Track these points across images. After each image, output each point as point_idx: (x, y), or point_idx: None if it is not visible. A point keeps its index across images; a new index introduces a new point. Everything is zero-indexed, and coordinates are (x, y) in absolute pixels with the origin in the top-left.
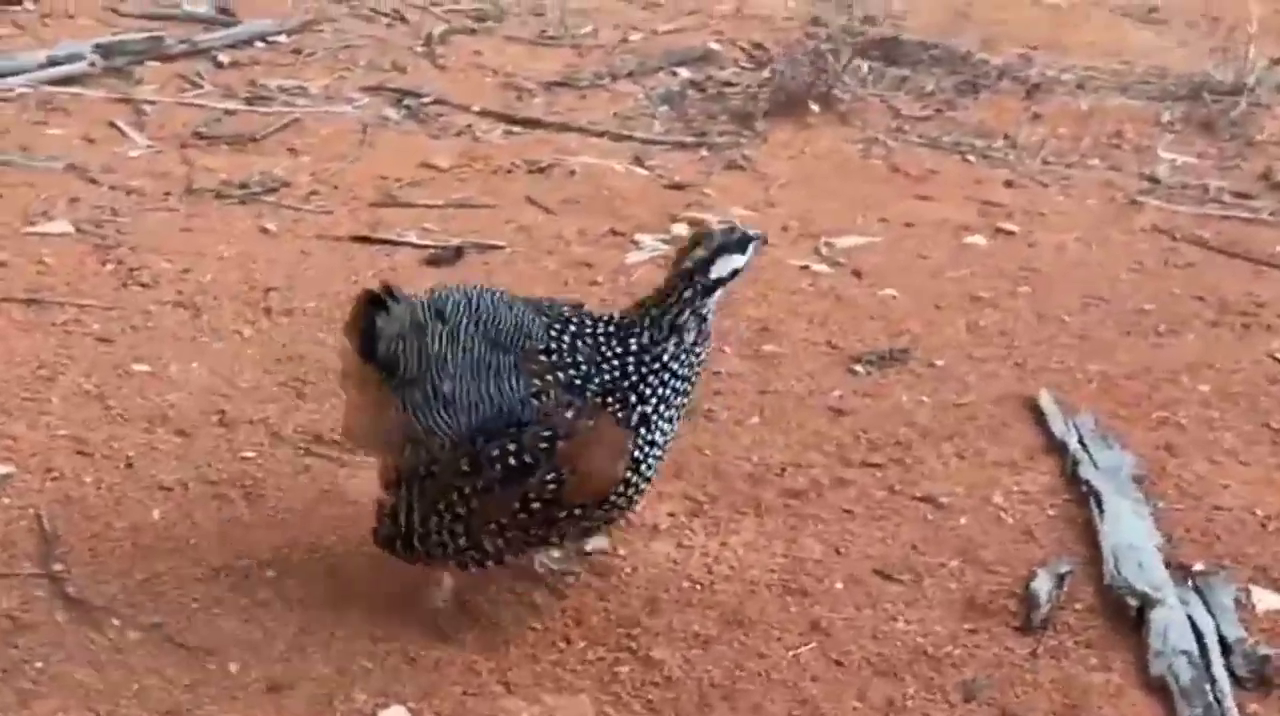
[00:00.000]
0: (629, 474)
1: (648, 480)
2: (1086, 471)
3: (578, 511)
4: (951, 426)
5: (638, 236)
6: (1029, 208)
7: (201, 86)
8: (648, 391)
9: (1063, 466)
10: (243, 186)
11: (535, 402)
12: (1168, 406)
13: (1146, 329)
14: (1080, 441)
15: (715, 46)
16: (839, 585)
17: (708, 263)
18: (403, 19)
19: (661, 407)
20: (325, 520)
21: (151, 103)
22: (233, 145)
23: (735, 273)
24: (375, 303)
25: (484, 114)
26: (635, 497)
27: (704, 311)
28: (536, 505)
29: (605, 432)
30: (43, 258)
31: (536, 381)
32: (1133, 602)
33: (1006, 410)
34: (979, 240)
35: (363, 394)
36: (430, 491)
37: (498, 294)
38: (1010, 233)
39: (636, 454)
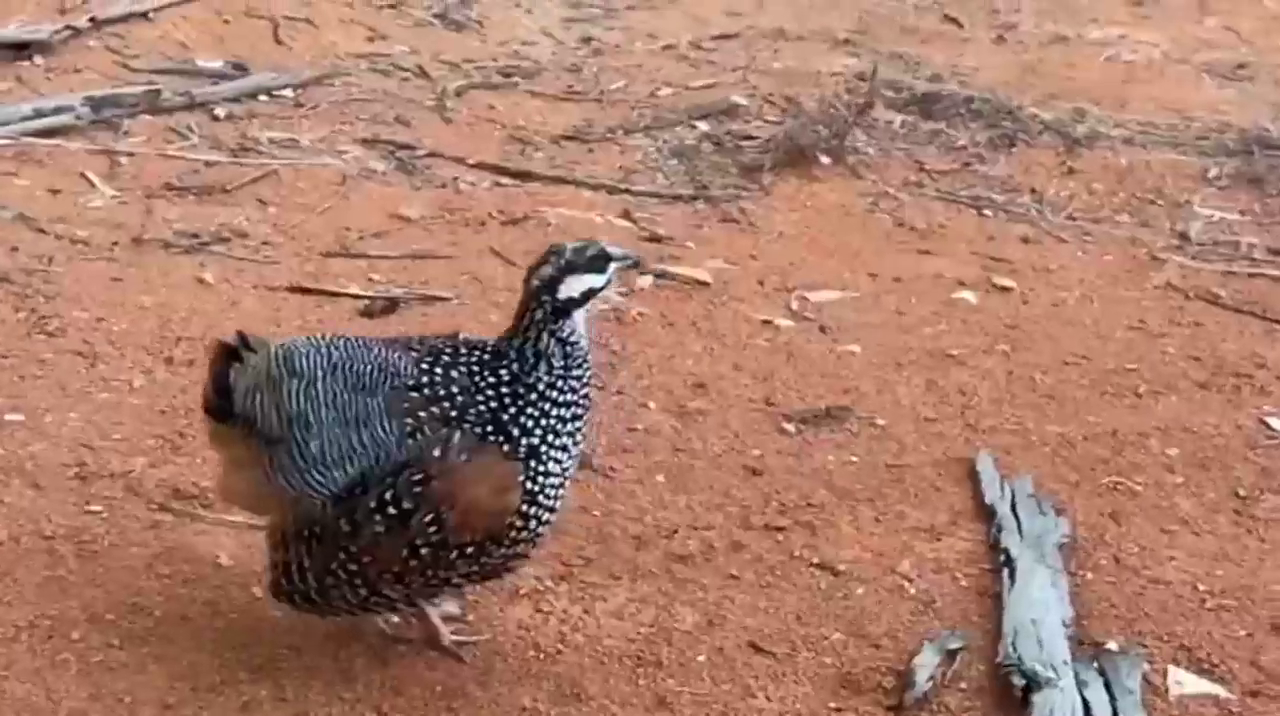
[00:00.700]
0: (525, 507)
1: (551, 511)
2: (1008, 538)
3: (471, 549)
4: (874, 489)
5: None
6: (1038, 263)
7: (189, 139)
8: (530, 423)
9: (988, 533)
10: (194, 236)
11: (411, 442)
12: (1124, 472)
13: (1125, 389)
14: (1012, 506)
15: (740, 100)
16: (701, 657)
17: (554, 281)
18: (424, 74)
19: (550, 437)
20: (159, 579)
21: (130, 154)
22: (201, 196)
23: (590, 293)
24: (230, 355)
25: (477, 166)
26: (540, 531)
27: (562, 334)
28: (425, 550)
29: (487, 466)
30: None
31: (410, 420)
32: (1018, 682)
33: (942, 473)
34: (968, 296)
35: (229, 452)
36: (318, 552)
37: (353, 339)
38: (1006, 288)
39: (530, 486)
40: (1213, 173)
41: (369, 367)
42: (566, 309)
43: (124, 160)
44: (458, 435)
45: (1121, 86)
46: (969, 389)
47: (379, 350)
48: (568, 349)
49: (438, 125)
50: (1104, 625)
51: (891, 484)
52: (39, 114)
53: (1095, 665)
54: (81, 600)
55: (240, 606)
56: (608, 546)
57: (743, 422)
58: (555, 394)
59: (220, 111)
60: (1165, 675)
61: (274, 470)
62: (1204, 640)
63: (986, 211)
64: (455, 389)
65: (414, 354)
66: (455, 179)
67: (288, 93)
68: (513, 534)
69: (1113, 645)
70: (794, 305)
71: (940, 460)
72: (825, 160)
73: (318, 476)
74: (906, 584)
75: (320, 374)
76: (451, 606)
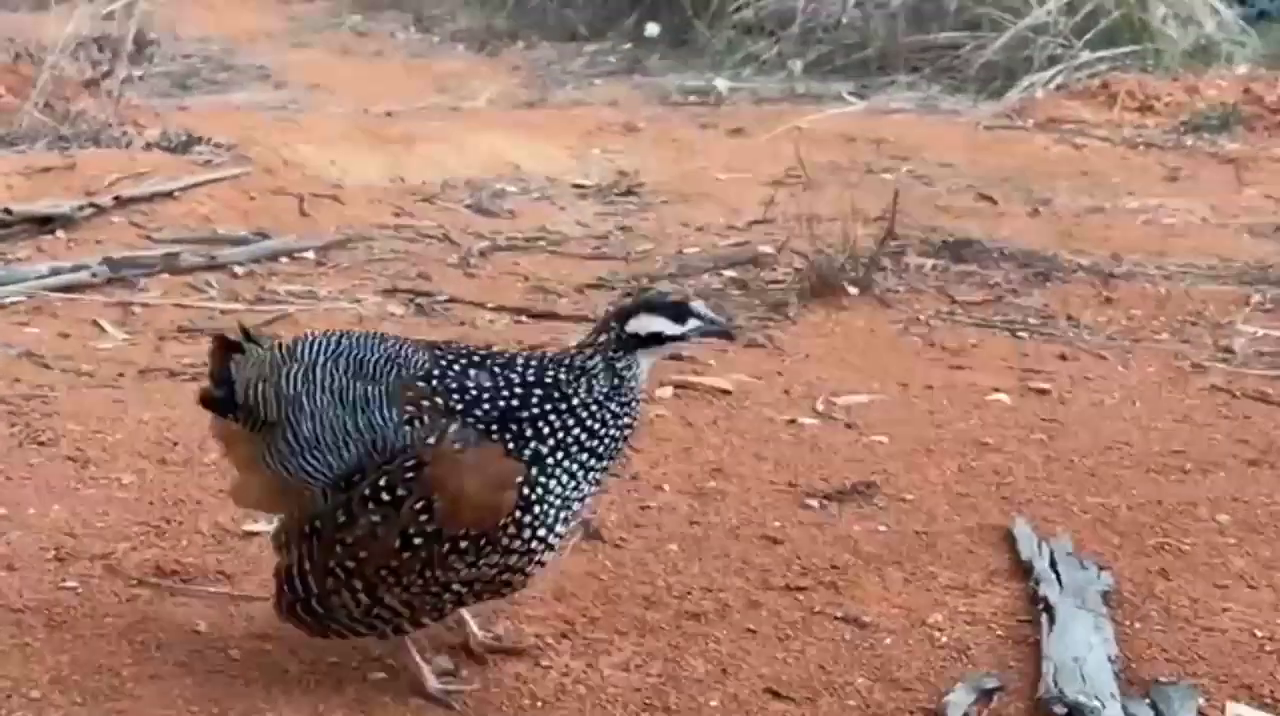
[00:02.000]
0: (520, 513)
1: (551, 530)
2: (1048, 589)
3: (464, 544)
4: (903, 553)
5: None
6: (1076, 374)
7: (206, 292)
8: (545, 429)
9: (1026, 590)
10: (202, 366)
11: (408, 429)
12: (1171, 535)
13: (1171, 468)
14: (1051, 563)
15: (768, 250)
16: (714, 702)
17: (627, 314)
18: (449, 239)
19: (559, 454)
20: (130, 645)
21: (145, 305)
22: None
23: (658, 337)
24: (231, 348)
25: (499, 309)
26: (536, 547)
27: (619, 365)
28: (418, 540)
29: (482, 457)
30: None
31: (410, 408)
32: (1061, 712)
33: (976, 539)
34: (1003, 398)
35: (236, 453)
36: (319, 551)
37: (367, 334)
38: (1043, 391)
39: (528, 492)
40: (1255, 298)
41: (377, 357)
42: (630, 343)
43: (138, 309)
44: (455, 426)
45: (1161, 241)
46: (1004, 470)
47: (395, 344)
48: (615, 381)
49: (460, 278)
50: (1154, 668)
51: (922, 549)
52: (56, 272)
53: (1146, 699)
54: (46, 665)
55: (214, 666)
56: (615, 606)
57: (763, 500)
58: (584, 414)
59: (240, 270)
60: (1224, 710)
61: (271, 455)
62: (1266, 680)
63: (1021, 333)
64: (469, 385)
65: (436, 352)
66: (474, 318)
67: (309, 254)
68: (505, 541)
69: (1162, 678)
70: (820, 407)
71: (973, 527)
72: (853, 291)
73: (312, 460)
74: (938, 633)
75: (322, 359)
76: (443, 660)
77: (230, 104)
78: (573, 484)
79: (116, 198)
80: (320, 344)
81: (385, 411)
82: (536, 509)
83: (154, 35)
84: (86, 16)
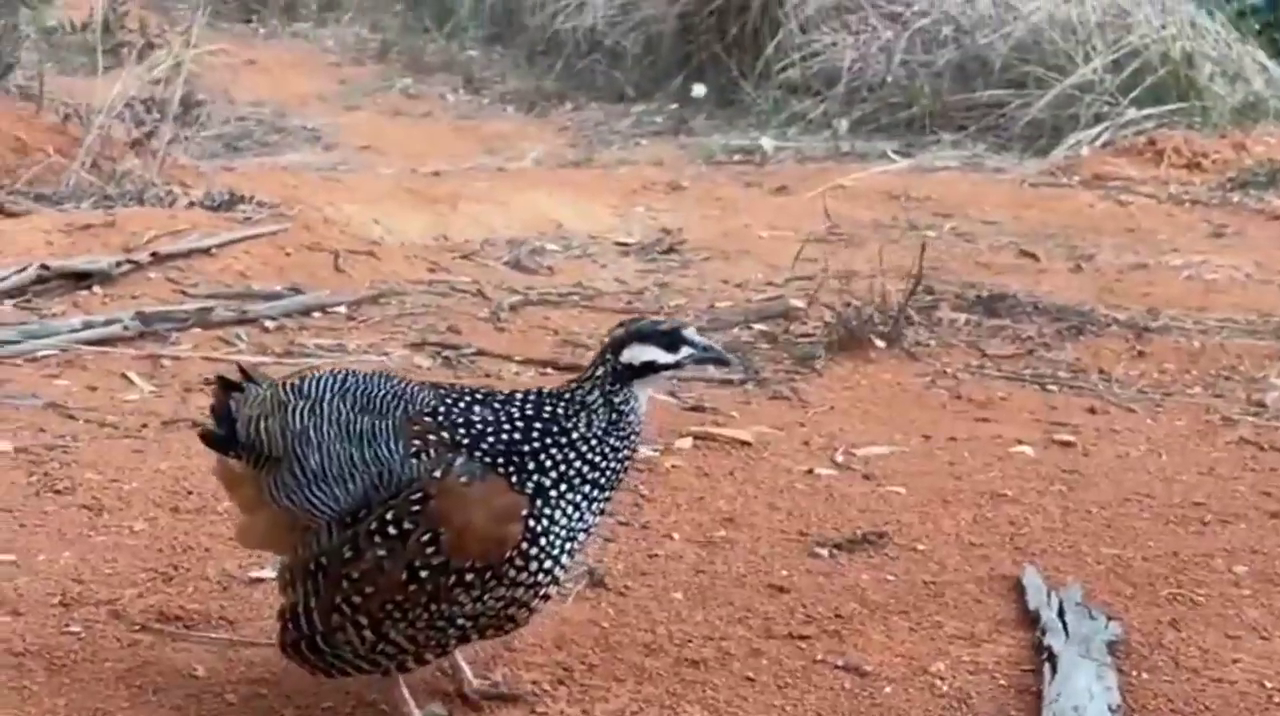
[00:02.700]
0: (526, 546)
1: (557, 562)
2: (1053, 639)
3: (470, 577)
4: (910, 602)
5: None
6: (1103, 427)
7: (236, 346)
8: (547, 463)
9: (1032, 640)
10: None
11: (414, 462)
12: (1186, 586)
13: (1190, 519)
14: (1059, 612)
15: (798, 304)
16: None
17: (620, 344)
18: (481, 294)
19: (563, 486)
20: (128, 689)
21: (175, 358)
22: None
23: (651, 366)
24: (231, 387)
25: (526, 362)
26: (540, 580)
27: (616, 399)
28: (424, 573)
29: (488, 490)
30: None
31: (416, 442)
32: None
33: (985, 589)
34: (1026, 450)
35: (240, 494)
36: (325, 587)
37: (373, 372)
38: (1067, 443)
39: (533, 525)
40: None
41: (383, 393)
42: (625, 374)
43: (167, 362)
44: (461, 459)
45: (1202, 297)
46: (1019, 521)
47: (400, 382)
48: (614, 416)
49: (489, 332)
50: None
51: (930, 598)
52: (88, 326)
53: None
54: (43, 707)
55: (210, 710)
56: (614, 653)
57: (772, 549)
58: (585, 448)
59: (271, 325)
60: None
61: (277, 489)
62: None
63: (1051, 387)
64: (474, 419)
65: (440, 391)
66: (499, 371)
67: (341, 309)
68: (512, 573)
69: None
70: (839, 458)
71: (984, 577)
72: (881, 345)
73: (318, 493)
74: (939, 682)
75: (328, 395)
76: (436, 706)
77: (278, 165)
78: (576, 515)
79: (154, 254)
80: (326, 381)
81: (391, 445)
82: (542, 541)
83: (204, 97)
84: (136, 79)
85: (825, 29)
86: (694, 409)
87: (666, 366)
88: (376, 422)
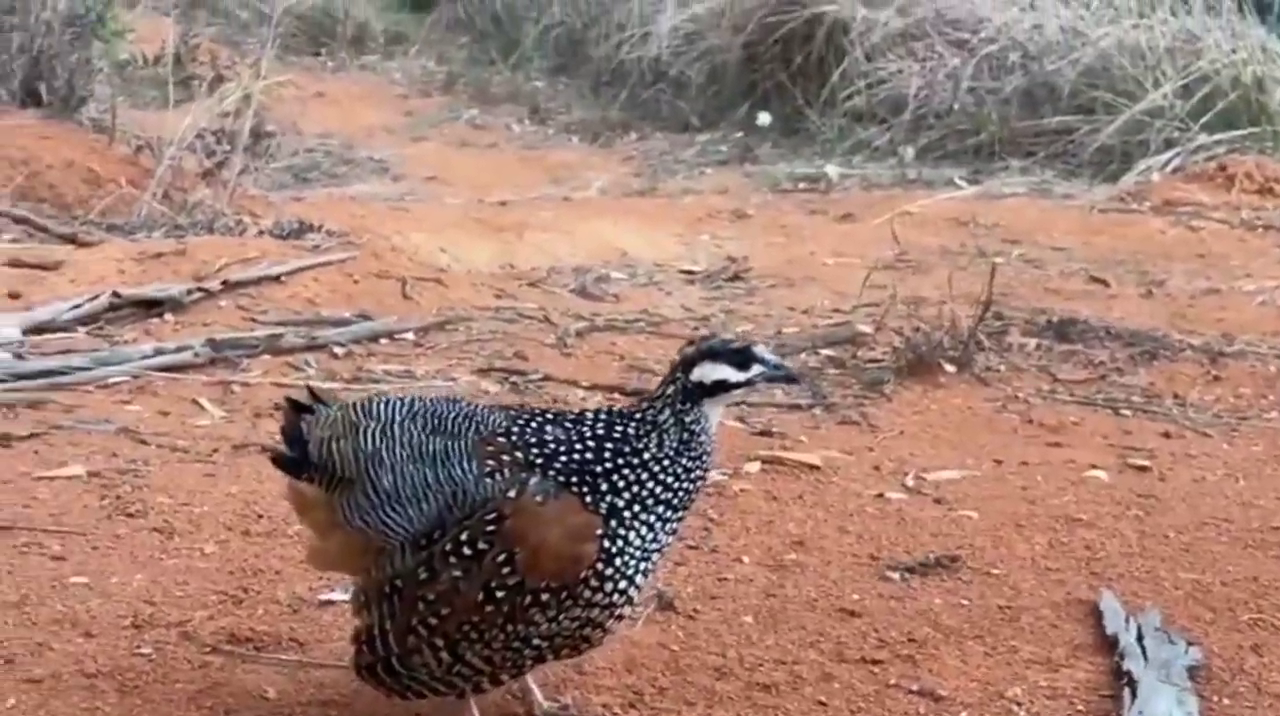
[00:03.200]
0: (602, 566)
1: (632, 582)
2: (1132, 664)
3: (546, 597)
4: (985, 627)
5: None
6: (1178, 451)
7: (305, 372)
8: (620, 483)
9: (1110, 665)
10: None
11: (489, 482)
12: (1266, 611)
13: (1270, 544)
14: (1138, 637)
15: (866, 329)
16: None
17: (691, 362)
18: (548, 320)
19: (636, 507)
20: (200, 710)
21: (245, 384)
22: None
23: (722, 385)
24: (301, 409)
25: (592, 387)
26: (616, 600)
27: (687, 418)
28: (500, 593)
29: (563, 510)
30: (36, 494)
31: (490, 462)
32: None
33: (1062, 614)
34: (1101, 474)
35: (311, 517)
36: (400, 609)
37: (442, 397)
38: (1143, 468)
39: (608, 545)
40: None
41: (454, 415)
42: (696, 393)
43: (237, 388)
44: (535, 479)
45: (1276, 321)
46: (1095, 545)
47: (469, 404)
48: (685, 436)
49: (555, 357)
50: None
51: (1005, 623)
52: (160, 353)
53: None
54: None
55: None
56: (684, 677)
57: (843, 573)
58: (657, 468)
59: (339, 351)
60: None
61: (350, 511)
62: None
63: (1124, 411)
64: (547, 439)
65: (511, 412)
66: (566, 396)
67: (409, 335)
68: (587, 594)
69: None
70: (909, 482)
71: (1060, 602)
72: (950, 369)
73: (393, 514)
74: (1016, 708)
75: (399, 418)
76: None
77: (346, 195)
78: (650, 536)
79: (224, 282)
80: (397, 403)
81: (465, 465)
82: (617, 561)
83: (273, 129)
84: (206, 111)
85: (891, 56)
86: (762, 433)
87: (738, 384)
88: (449, 443)
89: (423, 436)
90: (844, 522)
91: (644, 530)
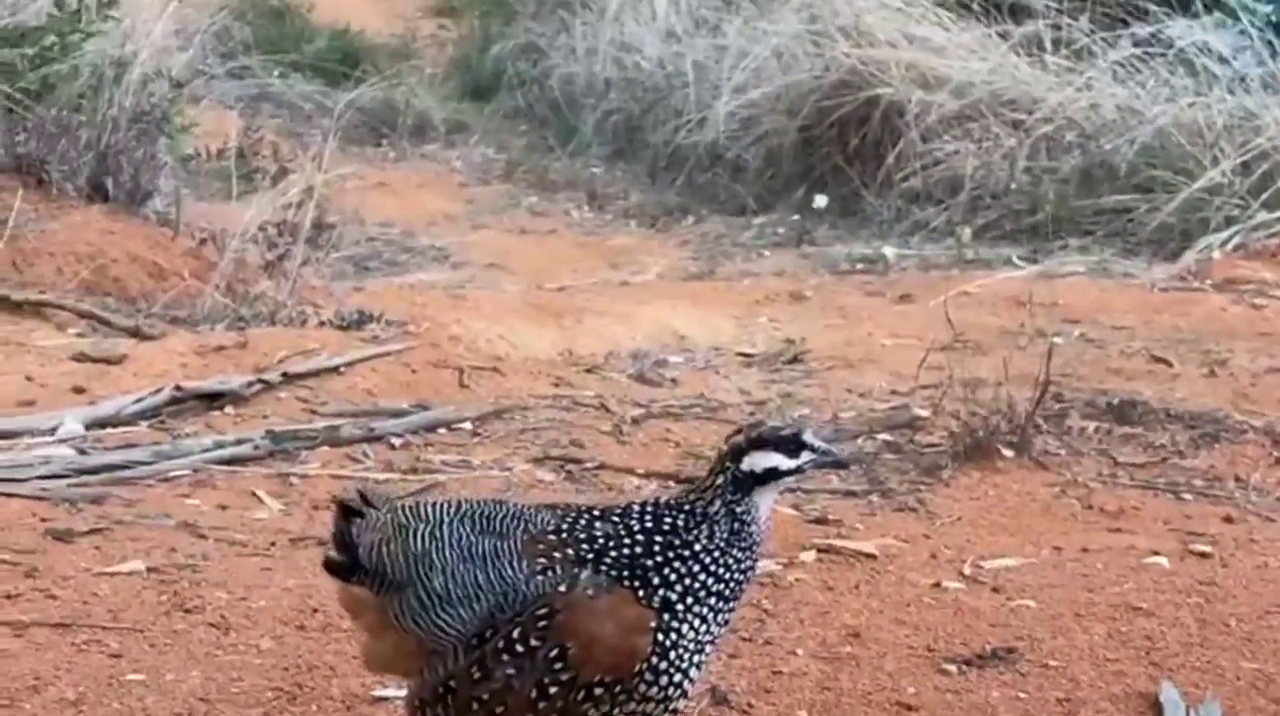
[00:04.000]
0: (656, 660)
1: (686, 676)
2: None
3: (599, 691)
4: None
5: None
6: (1241, 537)
7: (363, 463)
8: (672, 577)
9: None
10: None
11: (540, 579)
12: None
13: None
14: None
15: (924, 413)
16: None
17: (741, 451)
18: (604, 408)
19: (689, 599)
20: None
21: (304, 477)
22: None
23: (773, 472)
24: (350, 512)
25: (647, 475)
26: (672, 695)
27: (737, 508)
28: (554, 689)
29: (616, 603)
30: (96, 590)
31: (542, 560)
32: None
33: (1121, 705)
34: (1161, 561)
35: (364, 619)
36: (455, 710)
37: (490, 496)
38: (1204, 554)
39: (662, 638)
40: None
41: (502, 515)
42: (746, 482)
43: (296, 481)
44: (586, 573)
45: None
46: (1156, 635)
47: (517, 505)
48: (736, 526)
49: (612, 445)
50: None
51: None
52: (219, 446)
53: None
54: None
55: None
56: None
57: (899, 666)
58: (708, 560)
59: (397, 442)
60: None
61: (402, 613)
62: None
63: (1185, 495)
64: (596, 534)
65: (559, 511)
66: (621, 484)
67: (466, 425)
68: (642, 688)
69: None
70: (967, 571)
71: (1119, 694)
72: (1008, 453)
73: (445, 615)
74: None
75: (447, 519)
76: None
77: (407, 283)
78: (704, 628)
79: (284, 373)
80: (444, 505)
81: (515, 564)
82: (671, 655)
83: (335, 219)
84: (269, 204)
85: (947, 137)
86: (818, 521)
87: (789, 472)
88: (498, 543)
89: (472, 537)
90: (900, 613)
91: (697, 622)
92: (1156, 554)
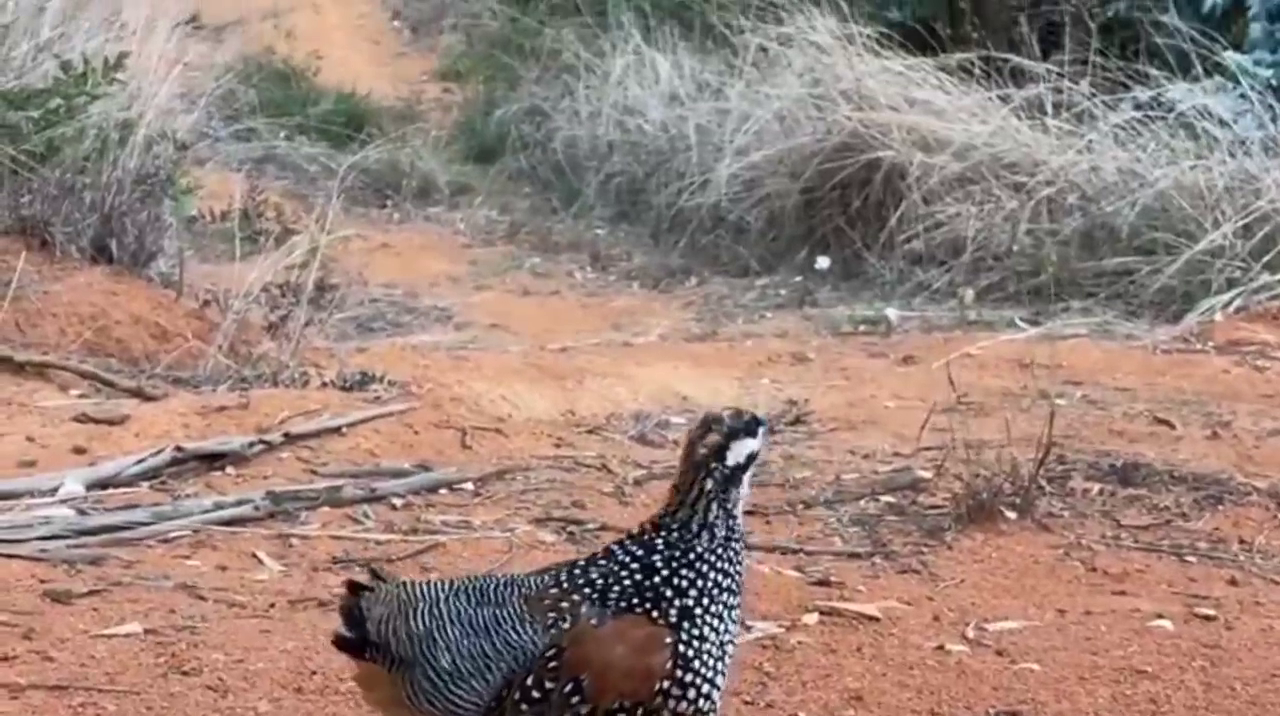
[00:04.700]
0: (681, 673)
1: (712, 684)
2: None
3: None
4: None
5: (750, 622)
6: (1246, 599)
7: (364, 523)
8: (685, 585)
9: None
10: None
11: (554, 632)
12: None
13: None
14: None
15: (926, 475)
16: None
17: (723, 449)
18: (606, 469)
19: (706, 601)
20: None
21: (304, 537)
22: (365, 567)
23: (752, 457)
24: (359, 588)
25: None
26: (703, 706)
27: (729, 505)
28: None
29: (622, 626)
30: (93, 652)
31: (552, 614)
32: None
33: None
34: (1165, 624)
35: (377, 694)
36: None
37: (480, 574)
38: (1208, 617)
39: (684, 650)
40: None
41: (495, 585)
42: (734, 476)
43: (296, 542)
44: (585, 606)
45: None
46: (1160, 698)
47: (506, 574)
48: (731, 522)
49: (613, 506)
50: None
51: None
52: (220, 507)
53: None
54: None
55: None
56: None
57: None
58: (713, 559)
59: (398, 502)
60: None
61: (416, 695)
62: None
63: (1189, 558)
64: (594, 577)
65: (550, 570)
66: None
67: (467, 486)
68: (671, 704)
69: None
70: (970, 633)
71: None
72: (1011, 516)
73: (457, 691)
74: None
75: (445, 595)
76: None
77: (410, 344)
78: (722, 627)
79: (286, 434)
80: (439, 583)
81: (521, 627)
82: (696, 664)
83: (338, 281)
84: (272, 265)
85: (949, 200)
86: (820, 583)
87: (758, 452)
88: (498, 611)
89: (471, 610)
90: (903, 676)
91: (716, 622)
92: (1160, 617)
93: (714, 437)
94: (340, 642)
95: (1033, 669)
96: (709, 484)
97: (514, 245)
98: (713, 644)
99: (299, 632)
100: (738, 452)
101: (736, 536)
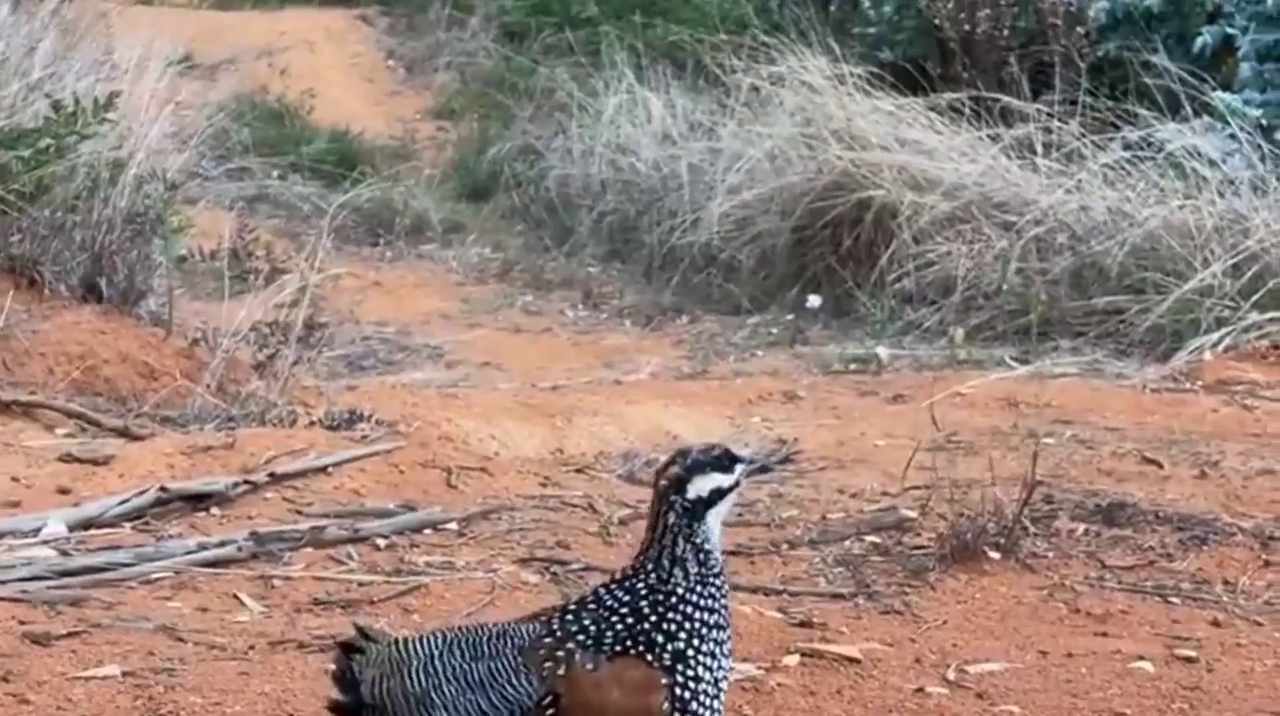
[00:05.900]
0: (678, 714)
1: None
2: None
3: None
4: None
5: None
6: (1227, 641)
7: (346, 564)
8: (673, 628)
9: None
10: (330, 638)
11: (552, 681)
12: None
13: None
14: None
15: (912, 514)
16: None
17: (682, 481)
18: (592, 508)
19: (696, 642)
20: None
21: (286, 578)
22: (347, 609)
23: (719, 492)
24: (351, 650)
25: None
26: None
27: (697, 540)
28: None
29: (618, 669)
30: (70, 695)
31: (548, 664)
32: None
33: None
34: (1146, 666)
35: None
36: None
37: (471, 625)
38: (1189, 659)
39: (680, 691)
40: None
41: (486, 637)
42: (697, 509)
43: (278, 583)
44: (579, 652)
45: None
46: None
47: (498, 624)
48: (702, 557)
49: (598, 546)
50: None
51: None
52: (202, 547)
53: None
54: None
55: None
56: None
57: None
58: (695, 598)
59: (382, 543)
60: None
61: None
62: None
63: (1173, 599)
64: (586, 623)
65: (540, 619)
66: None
67: (452, 526)
68: None
69: None
70: (951, 675)
71: None
72: (995, 556)
73: None
74: None
75: (437, 651)
76: None
77: (400, 382)
78: (715, 664)
79: (271, 474)
80: (429, 639)
81: (517, 679)
82: (694, 705)
83: (329, 319)
84: (262, 304)
85: (939, 239)
86: (802, 624)
87: (731, 488)
88: (493, 664)
89: (466, 665)
90: None
91: (709, 661)
92: (1142, 658)
93: (674, 470)
94: (335, 708)
95: (1012, 711)
96: (671, 517)
97: (506, 283)
98: (708, 682)
99: (278, 675)
100: (700, 486)
101: (715, 571)
